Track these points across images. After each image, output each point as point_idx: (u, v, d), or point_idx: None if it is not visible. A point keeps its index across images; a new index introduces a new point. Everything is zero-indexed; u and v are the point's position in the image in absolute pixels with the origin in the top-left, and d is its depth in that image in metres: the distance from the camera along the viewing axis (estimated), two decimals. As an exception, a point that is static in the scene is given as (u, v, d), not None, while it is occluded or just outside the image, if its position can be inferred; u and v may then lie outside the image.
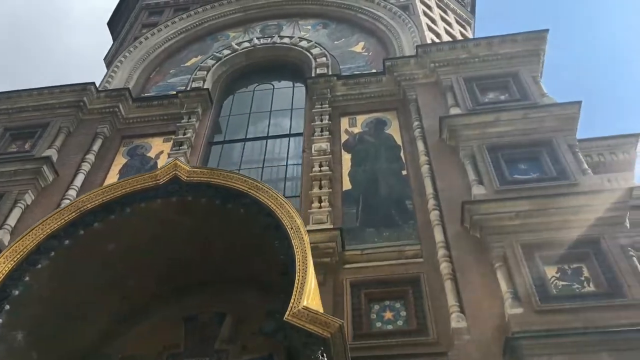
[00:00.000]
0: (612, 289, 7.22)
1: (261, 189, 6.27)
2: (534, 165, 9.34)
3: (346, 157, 10.98)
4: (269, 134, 12.16)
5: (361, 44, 14.32)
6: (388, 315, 8.15)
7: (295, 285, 5.15)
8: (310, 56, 13.52)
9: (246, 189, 6.28)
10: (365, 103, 12.11)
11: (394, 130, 11.40)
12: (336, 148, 11.12)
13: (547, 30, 11.99)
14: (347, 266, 8.77)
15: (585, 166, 9.17)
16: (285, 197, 10.16)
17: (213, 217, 6.62)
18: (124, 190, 6.50)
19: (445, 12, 16.65)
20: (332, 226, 9.05)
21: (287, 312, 4.96)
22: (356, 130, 11.64)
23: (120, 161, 11.77)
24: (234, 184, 6.32)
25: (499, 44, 11.83)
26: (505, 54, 11.69)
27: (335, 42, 14.61)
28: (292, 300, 5.06)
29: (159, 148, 11.85)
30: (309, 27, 15.45)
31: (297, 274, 5.25)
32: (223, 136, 12.44)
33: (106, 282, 6.99)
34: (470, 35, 16.62)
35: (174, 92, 12.90)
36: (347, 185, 10.39)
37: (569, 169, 9.02)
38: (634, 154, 23.39)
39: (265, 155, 11.61)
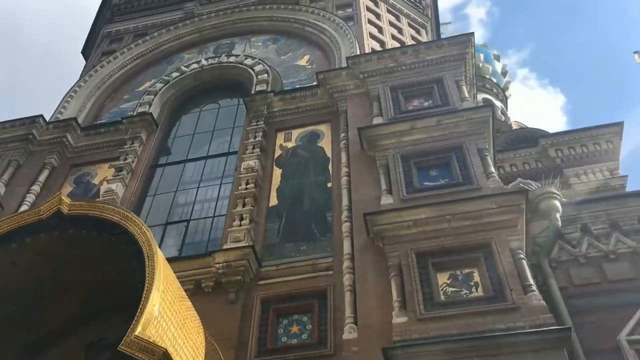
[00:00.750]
0: (496, 293, 7.33)
1: (130, 218, 6.56)
2: (445, 172, 9.46)
3: (277, 173, 11.24)
4: (209, 154, 12.48)
5: (306, 57, 14.55)
6: (294, 329, 8.37)
7: (137, 313, 5.42)
8: (253, 73, 13.80)
9: (117, 219, 6.58)
10: (301, 117, 12.35)
11: (325, 142, 11.61)
12: (268, 164, 11.39)
13: (472, 34, 12.10)
14: (262, 282, 9.03)
15: (492, 169, 9.22)
16: (215, 216, 10.74)
17: (97, 248, 6.94)
18: (8, 227, 6.86)
19: (397, 17, 16.77)
20: (248, 244, 9.29)
21: (122, 342, 5.25)
22: (290, 144, 11.88)
23: (67, 190, 12.20)
24: (108, 215, 6.63)
25: (425, 51, 11.96)
26: (431, 60, 11.80)
27: (282, 57, 14.88)
28: (129, 329, 5.34)
29: (103, 174, 12.26)
30: (260, 43, 15.75)
31: (141, 302, 5.52)
32: (166, 159, 12.78)
33: (8, 315, 7.34)
34: (424, 39, 16.70)
35: (121, 119, 13.32)
36: (274, 201, 10.65)
37: (474, 173, 9.11)
38: (618, 143, 23.22)
39: (202, 175, 11.92)
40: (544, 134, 24.69)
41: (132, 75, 15.67)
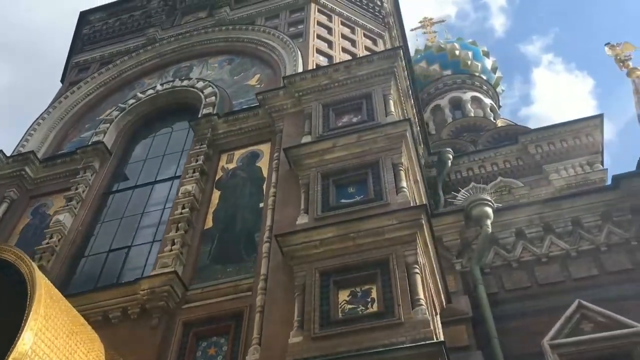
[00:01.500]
0: (387, 308, 7.53)
1: (22, 258, 6.95)
2: (361, 188, 9.65)
3: (215, 195, 11.58)
4: (157, 179, 12.88)
5: (257, 76, 14.87)
6: (212, 351, 8.69)
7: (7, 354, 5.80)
8: (202, 96, 14.18)
9: (13, 259, 6.98)
10: (243, 138, 12.67)
11: (263, 162, 11.91)
12: (208, 187, 11.74)
13: (400, 47, 12.29)
14: (186, 306, 9.36)
15: (403, 184, 9.36)
16: (155, 241, 11.09)
17: (2, 288, 7.34)
18: None
19: (352, 29, 16.96)
20: (173, 269, 9.62)
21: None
22: (231, 166, 12.22)
23: (24, 221, 12.75)
24: (3, 255, 7.03)
25: (356, 67, 12.18)
26: (362, 76, 12.02)
27: (235, 78, 15.23)
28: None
29: (58, 205, 12.75)
30: (216, 64, 16.13)
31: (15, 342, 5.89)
32: (117, 186, 13.22)
33: None
34: (380, 48, 16.84)
35: (76, 149, 13.81)
36: (209, 223, 10.99)
37: (385, 189, 9.30)
38: (598, 136, 23.05)
39: (148, 201, 12.32)
40: (524, 131, 24.63)
41: (95, 103, 16.18)
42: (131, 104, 15.03)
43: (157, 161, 13.49)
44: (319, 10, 16.77)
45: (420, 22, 43.61)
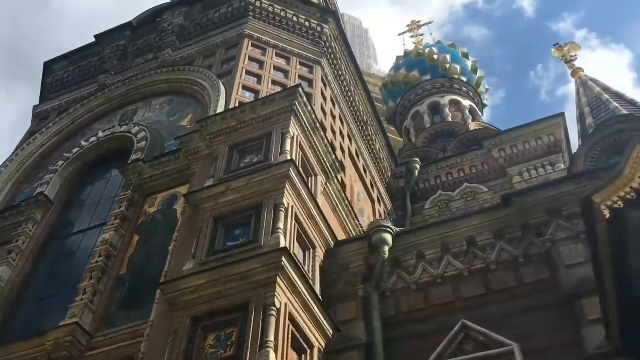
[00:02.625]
0: (239, 352, 8.09)
1: None
2: (245, 231, 10.23)
3: (134, 240, 12.32)
4: (89, 227, 13.69)
5: (189, 116, 15.53)
6: (107, 396, 9.39)
7: None
8: (135, 141, 14.94)
9: None
10: (166, 181, 13.35)
11: (179, 205, 12.55)
12: (129, 233, 12.48)
13: (298, 86, 12.80)
14: (90, 354, 10.09)
15: (280, 225, 9.87)
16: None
17: None
18: None
19: (288, 59, 17.52)
20: (79, 319, 10.35)
21: None
22: (153, 209, 12.94)
23: (-28, 274, 13.70)
24: None
25: (261, 106, 12.74)
26: (266, 115, 12.57)
27: (171, 119, 15.94)
28: None
29: (2, 257, 13.67)
30: (158, 106, 16.86)
31: None
32: (56, 235, 14.08)
33: None
34: (315, 76, 17.32)
35: (20, 202, 14.76)
36: (124, 270, 11.72)
37: (263, 231, 9.84)
38: (560, 135, 23.12)
39: (78, 249, 13.13)
40: (489, 135, 24.74)
41: (49, 153, 17.11)
42: (75, 152, 15.92)
43: (93, 208, 14.31)
44: (252, 45, 17.37)
45: (408, 25, 44.11)
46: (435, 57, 33.02)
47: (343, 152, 17.88)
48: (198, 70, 16.63)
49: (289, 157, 11.23)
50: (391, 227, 11.79)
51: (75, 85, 19.87)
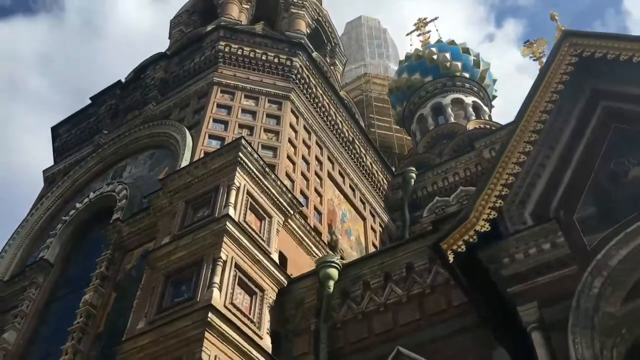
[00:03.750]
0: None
1: None
2: (188, 287, 11.26)
3: (112, 297, 13.61)
4: (80, 287, 15.10)
5: (165, 170, 16.71)
6: None
7: None
8: (117, 200, 16.29)
9: None
10: (141, 237, 14.57)
11: (149, 261, 13.76)
12: (108, 290, 13.79)
13: (241, 138, 13.74)
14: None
15: (216, 280, 10.82)
16: None
17: None
18: None
19: (257, 99, 18.48)
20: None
21: None
22: (129, 266, 14.21)
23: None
24: None
25: (210, 161, 13.76)
26: (215, 169, 13.56)
27: (151, 173, 17.18)
28: None
29: (10, 322, 15.31)
30: (142, 161, 18.21)
31: None
32: (54, 296, 15.60)
33: None
34: (284, 112, 18.18)
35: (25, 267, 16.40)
36: (102, 327, 13.03)
37: (200, 287, 10.84)
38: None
39: (71, 309, 14.53)
40: (478, 136, 24.83)
41: (53, 217, 18.75)
42: (71, 215, 17.47)
43: (85, 268, 15.74)
44: (221, 91, 18.47)
45: (415, 24, 44.17)
46: (435, 57, 33.18)
47: (321, 179, 18.70)
48: (172, 124, 17.86)
49: (230, 210, 12.20)
50: (336, 261, 12.56)
51: (77, 147, 21.56)
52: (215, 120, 17.33)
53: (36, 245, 18.04)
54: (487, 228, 7.86)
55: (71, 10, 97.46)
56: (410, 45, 43.52)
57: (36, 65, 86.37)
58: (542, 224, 7.92)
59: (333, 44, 31.67)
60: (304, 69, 20.46)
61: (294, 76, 19.90)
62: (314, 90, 20.69)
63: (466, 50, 34.03)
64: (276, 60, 20.05)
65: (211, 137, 16.69)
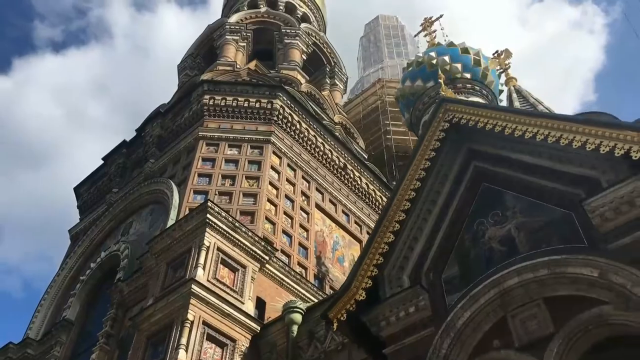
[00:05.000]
0: None
1: None
2: (163, 348, 12.81)
3: (116, 355, 15.38)
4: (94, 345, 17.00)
5: (161, 226, 18.45)
6: None
7: None
8: (121, 258, 18.11)
9: None
10: (138, 295, 16.26)
11: (144, 317, 15.46)
12: (113, 347, 15.58)
13: (207, 201, 15.17)
14: None
15: (183, 341, 12.28)
16: None
17: None
18: None
19: (239, 147, 19.79)
20: None
21: None
22: (129, 323, 15.93)
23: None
24: None
25: (185, 223, 15.28)
26: (189, 230, 15.07)
27: (151, 229, 18.96)
28: None
29: (40, 380, 17.46)
30: (144, 217, 20.02)
31: None
32: (76, 352, 17.59)
33: None
34: (266, 155, 19.51)
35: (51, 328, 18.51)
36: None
37: (169, 349, 12.34)
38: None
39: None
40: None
41: (75, 277, 20.85)
42: (87, 274, 19.48)
43: (100, 325, 17.65)
44: (206, 144, 20.03)
45: (421, 24, 44.45)
46: (434, 61, 33.52)
47: (307, 213, 19.95)
48: (164, 181, 19.56)
49: (199, 271, 13.70)
50: (299, 306, 13.82)
51: (95, 206, 23.72)
52: (200, 175, 18.89)
53: (63, 304, 20.21)
54: (364, 297, 8.87)
55: (119, 37, 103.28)
56: (418, 47, 43.88)
57: (93, 93, 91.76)
58: (408, 289, 8.82)
59: (332, 64, 32.87)
60: (286, 108, 21.75)
61: (275, 117, 21.24)
62: (298, 126, 21.95)
63: (465, 50, 34.04)
64: (257, 105, 21.44)
65: (196, 192, 18.26)
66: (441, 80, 29.82)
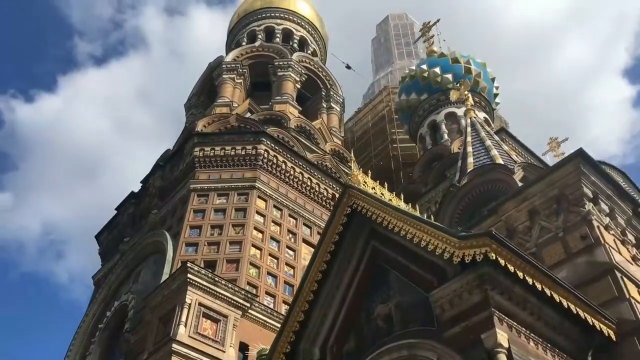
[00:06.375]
0: None
1: None
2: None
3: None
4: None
5: (161, 278, 20.64)
6: None
7: None
8: (128, 309, 20.39)
9: None
10: (142, 344, 18.37)
11: (146, 365, 17.68)
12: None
13: (186, 262, 17.20)
14: None
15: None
16: None
17: None
18: None
19: (227, 195, 21.79)
20: None
21: None
22: (136, 370, 18.20)
23: None
24: None
25: (171, 282, 17.37)
26: (174, 289, 17.14)
27: (154, 279, 21.07)
28: None
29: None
30: (149, 266, 22.22)
31: None
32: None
33: None
34: (247, 204, 21.41)
35: (76, 374, 21.02)
36: None
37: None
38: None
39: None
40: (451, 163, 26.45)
41: (97, 323, 23.27)
42: (104, 322, 21.88)
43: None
44: (198, 196, 22.09)
45: (420, 30, 45.28)
46: (425, 74, 34.68)
47: (294, 250, 21.76)
48: (162, 233, 21.71)
49: (181, 329, 15.75)
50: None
51: (111, 253, 26.18)
52: (191, 227, 20.96)
53: (86, 351, 22.69)
54: (284, 371, 10.54)
55: (155, 44, 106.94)
56: (426, 46, 44.47)
57: (138, 101, 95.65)
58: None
59: (328, 86, 34.41)
60: (270, 151, 23.58)
61: (260, 162, 23.11)
62: (284, 166, 23.74)
63: (455, 60, 35.13)
64: (243, 152, 23.34)
65: (187, 244, 20.35)
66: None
